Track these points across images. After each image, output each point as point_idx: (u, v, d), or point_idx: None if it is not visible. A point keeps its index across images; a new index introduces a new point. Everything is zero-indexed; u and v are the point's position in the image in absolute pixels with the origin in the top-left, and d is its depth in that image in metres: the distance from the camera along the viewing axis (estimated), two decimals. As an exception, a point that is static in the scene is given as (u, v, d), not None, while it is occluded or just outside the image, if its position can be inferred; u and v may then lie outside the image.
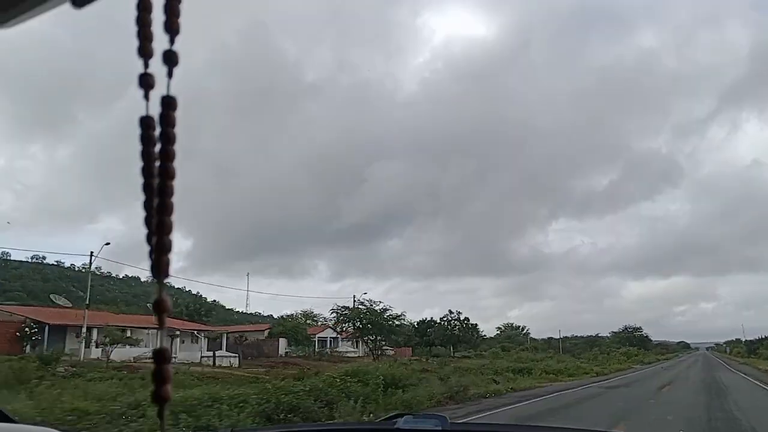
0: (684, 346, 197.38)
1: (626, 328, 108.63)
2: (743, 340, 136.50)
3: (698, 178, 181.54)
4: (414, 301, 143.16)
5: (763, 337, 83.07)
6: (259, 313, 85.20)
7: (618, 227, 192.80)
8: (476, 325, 66.61)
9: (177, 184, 0.47)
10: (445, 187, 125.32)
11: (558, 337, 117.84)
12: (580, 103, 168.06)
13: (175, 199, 0.48)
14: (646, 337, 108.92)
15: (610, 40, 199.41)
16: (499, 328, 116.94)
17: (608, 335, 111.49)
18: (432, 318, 66.08)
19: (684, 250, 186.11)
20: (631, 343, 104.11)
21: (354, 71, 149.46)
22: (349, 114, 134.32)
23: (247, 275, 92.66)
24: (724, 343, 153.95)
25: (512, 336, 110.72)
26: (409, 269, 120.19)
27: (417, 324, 67.94)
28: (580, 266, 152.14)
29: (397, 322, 45.34)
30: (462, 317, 64.27)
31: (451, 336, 63.46)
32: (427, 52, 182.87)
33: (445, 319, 64.35)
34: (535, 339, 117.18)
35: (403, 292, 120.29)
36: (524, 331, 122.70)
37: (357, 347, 57.07)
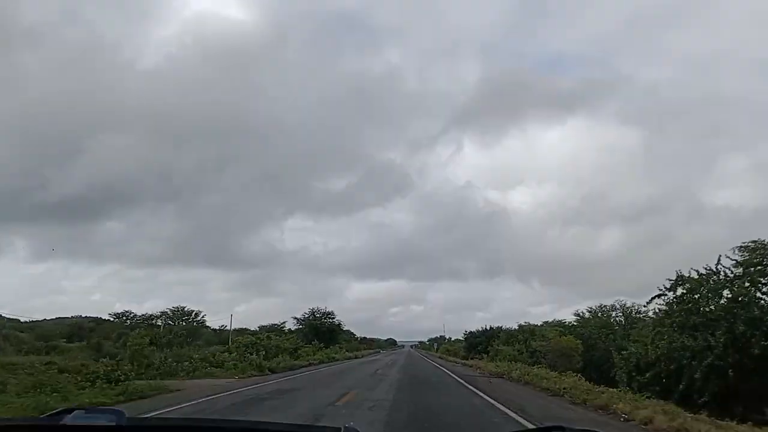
0: (391, 343, 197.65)
1: (313, 314, 74.16)
2: (448, 337, 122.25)
3: (423, 193, 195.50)
4: (135, 290, 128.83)
5: (492, 327, 54.72)
6: None
7: (349, 230, 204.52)
8: None
9: None
10: (179, 171, 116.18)
11: (230, 327, 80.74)
12: (326, 107, 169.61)
13: None
14: (338, 325, 75.71)
15: (362, 52, 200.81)
16: (164, 312, 77.48)
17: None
18: None
19: (403, 256, 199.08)
20: (318, 333, 70.90)
21: (86, 27, 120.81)
22: (73, 74, 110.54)
23: None
24: (428, 340, 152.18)
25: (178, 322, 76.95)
26: (132, 256, 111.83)
27: None
28: (310, 265, 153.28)
29: None
30: None
31: None
32: (175, 25, 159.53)
33: None
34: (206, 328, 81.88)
35: (122, 280, 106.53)
36: (198, 318, 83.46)
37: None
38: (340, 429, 1.27)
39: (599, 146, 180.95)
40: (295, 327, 73.78)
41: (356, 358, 55.97)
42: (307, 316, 74.15)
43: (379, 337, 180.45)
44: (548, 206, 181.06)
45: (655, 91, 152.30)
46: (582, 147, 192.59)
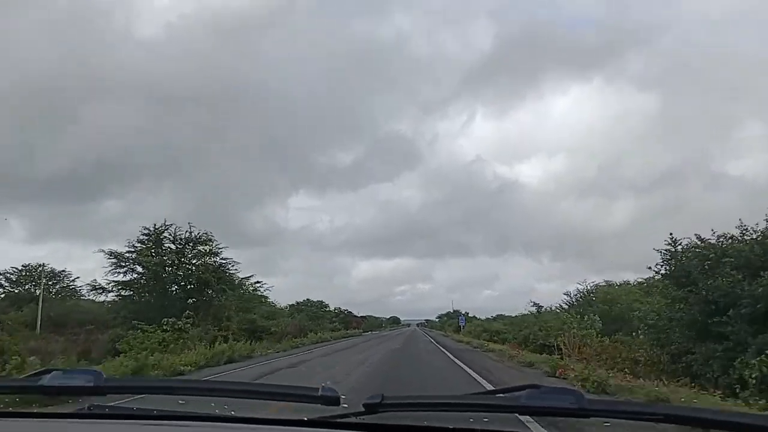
0: (394, 321, 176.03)
1: (156, 238, 28.65)
2: (464, 312, 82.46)
3: (432, 166, 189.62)
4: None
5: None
6: None
7: (355, 206, 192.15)
8: None
9: None
10: (179, 145, 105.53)
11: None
12: (332, 76, 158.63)
13: None
14: (221, 268, 29.82)
15: (370, 16, 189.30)
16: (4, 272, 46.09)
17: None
18: None
19: (410, 233, 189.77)
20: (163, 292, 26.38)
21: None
22: (66, 40, 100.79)
23: None
24: (438, 317, 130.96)
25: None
26: (133, 235, 51.83)
27: None
28: (315, 243, 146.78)
29: None
30: None
31: None
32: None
33: None
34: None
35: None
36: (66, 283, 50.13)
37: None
38: (318, 389, 1.26)
39: (614, 113, 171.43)
40: (120, 277, 28.49)
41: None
42: (143, 244, 28.67)
43: (380, 315, 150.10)
44: (559, 178, 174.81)
45: (676, 53, 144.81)
46: (597, 115, 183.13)
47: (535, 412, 1.24)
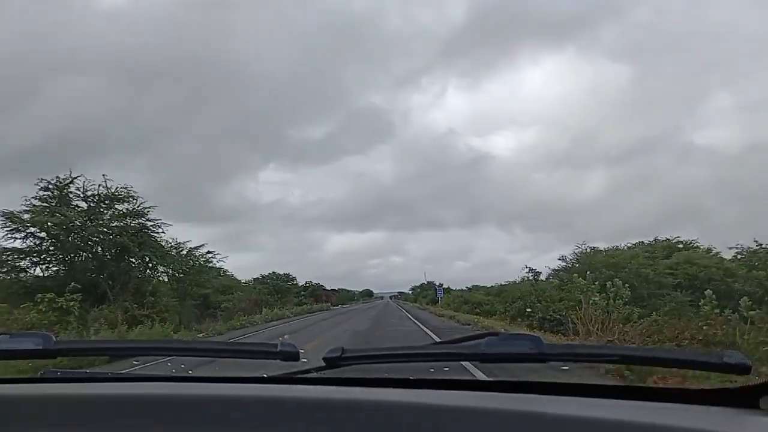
0: (366, 294, 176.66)
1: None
2: (438, 284, 78.05)
3: (405, 139, 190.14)
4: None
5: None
6: None
7: (328, 180, 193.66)
8: None
9: None
10: (146, 119, 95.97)
11: None
12: (304, 48, 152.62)
13: None
14: (147, 230, 23.77)
15: None
16: None
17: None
18: None
19: (382, 206, 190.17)
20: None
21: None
22: (28, 12, 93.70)
23: None
24: (411, 290, 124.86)
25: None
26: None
27: None
28: (288, 217, 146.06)
29: None
30: None
31: None
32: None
33: None
34: None
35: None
36: None
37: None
38: (276, 344, 1.24)
39: (587, 85, 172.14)
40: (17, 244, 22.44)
41: None
42: (44, 202, 22.64)
43: (353, 289, 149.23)
44: (532, 150, 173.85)
45: (650, 24, 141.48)
46: (570, 86, 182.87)
47: (495, 359, 1.23)
